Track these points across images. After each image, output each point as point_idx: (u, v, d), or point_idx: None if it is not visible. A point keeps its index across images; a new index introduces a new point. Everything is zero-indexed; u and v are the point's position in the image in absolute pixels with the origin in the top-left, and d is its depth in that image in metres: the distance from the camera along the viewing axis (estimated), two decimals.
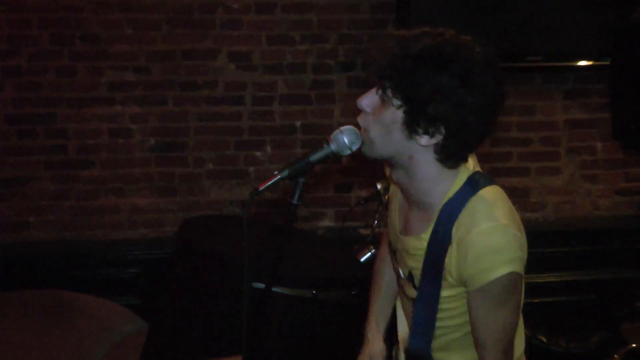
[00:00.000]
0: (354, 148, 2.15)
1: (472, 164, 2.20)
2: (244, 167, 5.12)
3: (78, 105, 4.95)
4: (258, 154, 5.12)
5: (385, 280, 2.70)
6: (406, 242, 2.28)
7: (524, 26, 4.86)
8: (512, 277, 2.04)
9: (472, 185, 2.13)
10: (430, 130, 2.04)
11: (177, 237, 3.44)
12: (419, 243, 2.21)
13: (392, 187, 2.44)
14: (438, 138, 2.05)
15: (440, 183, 2.15)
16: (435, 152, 2.09)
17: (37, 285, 4.49)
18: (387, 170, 2.42)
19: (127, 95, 4.98)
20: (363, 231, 4.60)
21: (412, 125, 2.05)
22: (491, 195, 2.12)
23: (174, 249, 3.57)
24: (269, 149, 5.13)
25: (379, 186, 4.03)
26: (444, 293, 2.17)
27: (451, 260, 2.10)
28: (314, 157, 2.15)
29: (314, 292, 2.97)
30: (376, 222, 4.05)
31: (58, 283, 4.54)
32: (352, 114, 5.21)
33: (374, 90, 2.13)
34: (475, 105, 2.01)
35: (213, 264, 3.02)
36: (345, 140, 2.14)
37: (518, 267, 2.05)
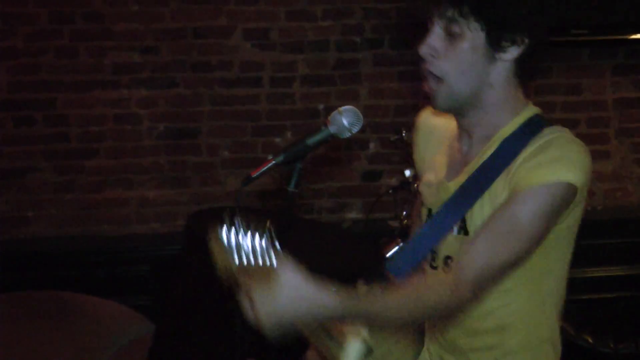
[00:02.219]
0: (354, 130, 2.15)
1: None
2: (262, 154, 5.08)
3: (80, 89, 4.92)
4: (277, 140, 5.07)
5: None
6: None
7: None
8: (573, 191, 1.99)
9: (537, 124, 2.10)
10: (518, 39, 2.04)
11: (185, 232, 3.49)
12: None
13: (420, 131, 2.44)
14: (524, 45, 2.05)
15: (505, 109, 2.14)
16: (516, 63, 2.09)
17: (37, 285, 4.48)
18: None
19: (134, 77, 4.95)
20: (392, 223, 4.63)
21: (498, 42, 2.04)
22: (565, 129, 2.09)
23: (182, 244, 3.58)
24: (289, 134, 5.08)
25: (407, 173, 4.01)
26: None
27: (505, 177, 2.06)
28: (311, 140, 2.15)
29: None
30: (405, 212, 4.04)
31: (60, 283, 4.54)
32: (379, 96, 5.18)
33: (435, 31, 2.09)
34: None
35: None
36: (345, 122, 2.13)
37: (585, 184, 2.00)
